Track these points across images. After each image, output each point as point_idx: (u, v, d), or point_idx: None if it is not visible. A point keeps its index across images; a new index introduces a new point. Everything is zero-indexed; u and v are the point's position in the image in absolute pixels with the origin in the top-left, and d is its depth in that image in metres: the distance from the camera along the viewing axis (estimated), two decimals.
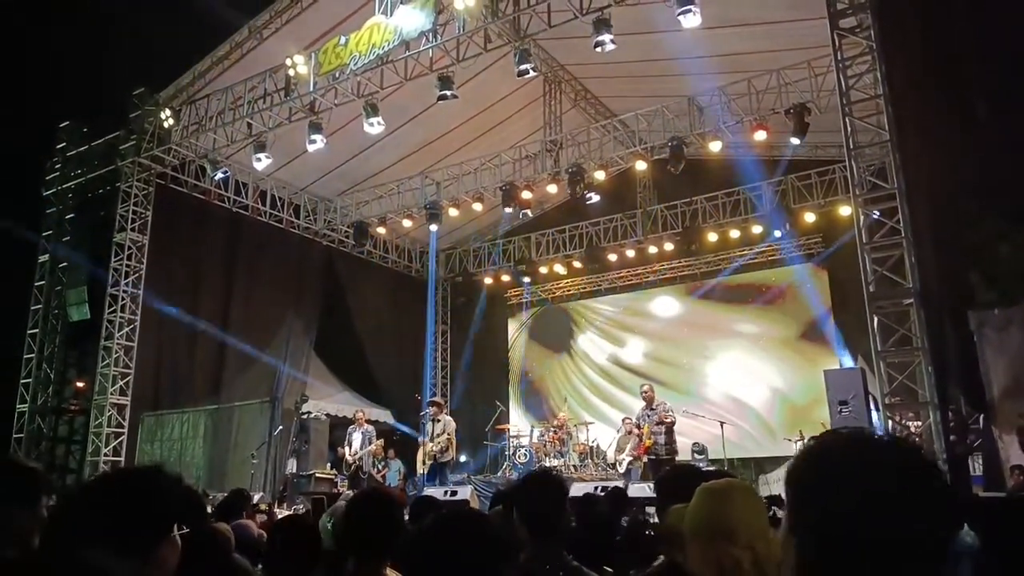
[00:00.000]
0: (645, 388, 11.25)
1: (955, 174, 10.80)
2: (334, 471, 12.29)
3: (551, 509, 2.67)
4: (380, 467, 13.52)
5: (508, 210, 14.95)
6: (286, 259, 16.16)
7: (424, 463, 11.37)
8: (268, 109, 12.97)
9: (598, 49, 10.82)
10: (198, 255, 15.30)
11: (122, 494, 1.63)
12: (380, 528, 2.63)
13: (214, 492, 10.15)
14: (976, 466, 9.94)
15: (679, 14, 10.09)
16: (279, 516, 8.15)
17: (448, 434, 11.38)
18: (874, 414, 9.58)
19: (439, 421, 11.41)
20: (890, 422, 8.55)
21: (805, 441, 12.04)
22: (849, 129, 9.27)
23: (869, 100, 9.35)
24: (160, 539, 1.61)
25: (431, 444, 11.28)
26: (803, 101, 11.75)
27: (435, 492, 10.04)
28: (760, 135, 12.49)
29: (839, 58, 9.49)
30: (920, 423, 8.72)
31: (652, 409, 10.79)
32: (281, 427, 13.05)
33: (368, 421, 12.64)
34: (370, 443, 11.85)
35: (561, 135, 14.66)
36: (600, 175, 14.35)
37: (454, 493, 9.92)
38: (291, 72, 12.25)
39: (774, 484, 12.94)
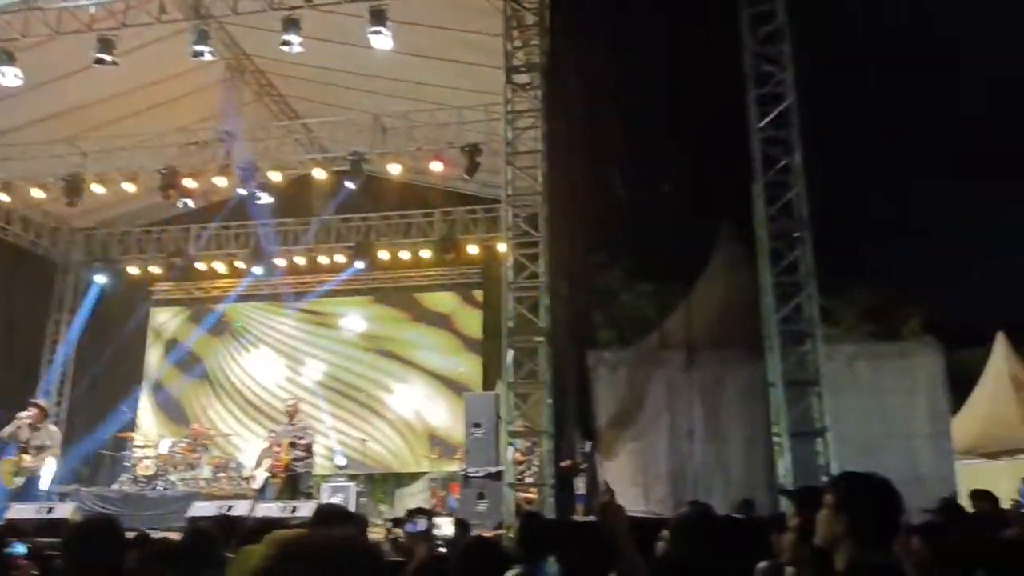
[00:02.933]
0: (291, 402, 10.97)
1: (592, 229, 12.30)
2: None
3: (103, 558, 2.42)
4: None
5: (167, 197, 13.68)
6: None
7: (16, 477, 9.73)
8: None
9: (284, 48, 10.50)
10: None
11: None
12: None
13: None
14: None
15: (370, 33, 10.18)
16: None
17: (55, 447, 9.92)
18: (502, 438, 10.40)
19: (39, 430, 9.88)
20: (511, 448, 9.35)
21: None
22: (509, 176, 10.05)
23: (530, 153, 10.23)
24: None
25: (29, 458, 9.71)
26: (477, 142, 12.48)
27: (27, 510, 8.73)
28: (436, 166, 12.99)
29: (509, 109, 10.26)
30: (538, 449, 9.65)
31: (292, 424, 10.57)
32: None
33: None
34: None
35: (238, 127, 13.85)
36: (276, 176, 13.80)
37: (50, 510, 8.67)
38: None
39: (408, 499, 13.43)
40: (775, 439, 8.71)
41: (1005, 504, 7.98)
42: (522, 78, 10.54)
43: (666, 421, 9.38)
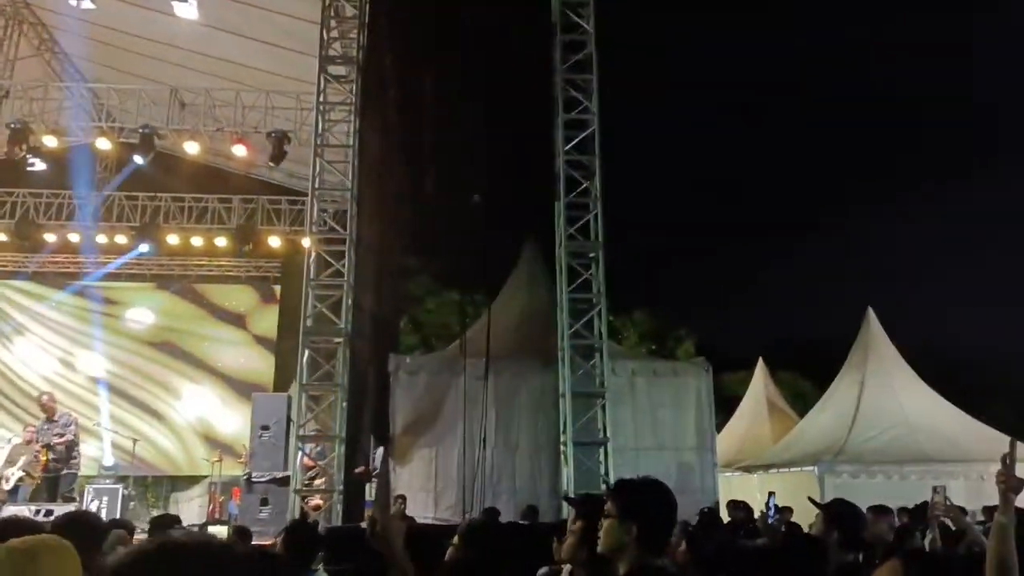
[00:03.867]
0: (44, 398, 9.79)
1: (402, 233, 12.21)
2: None
3: None
4: None
5: None
6: None
7: None
8: None
9: (73, 2, 9.47)
10: None
11: None
12: None
13: None
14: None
15: None
16: None
17: None
18: (291, 441, 9.99)
19: None
20: (300, 452, 8.99)
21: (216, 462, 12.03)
22: (317, 169, 9.72)
23: (341, 147, 9.96)
24: None
25: None
26: (285, 129, 11.93)
27: None
28: (239, 149, 12.26)
29: (321, 99, 9.93)
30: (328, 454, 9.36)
31: (53, 421, 9.45)
32: None
33: None
34: None
35: (10, 82, 12.29)
36: (51, 141, 12.36)
37: None
38: None
39: (184, 503, 12.53)
40: (562, 447, 9.08)
41: (757, 513, 8.88)
42: (338, 70, 10.27)
43: (461, 428, 9.47)
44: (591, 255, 9.79)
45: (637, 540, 2.22)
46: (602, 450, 9.01)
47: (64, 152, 13.15)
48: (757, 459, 14.00)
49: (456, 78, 10.10)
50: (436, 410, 10.31)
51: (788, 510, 8.42)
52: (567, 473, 8.85)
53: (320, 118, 9.91)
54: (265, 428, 9.98)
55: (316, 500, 8.82)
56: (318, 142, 9.82)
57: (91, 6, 9.50)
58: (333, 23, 10.30)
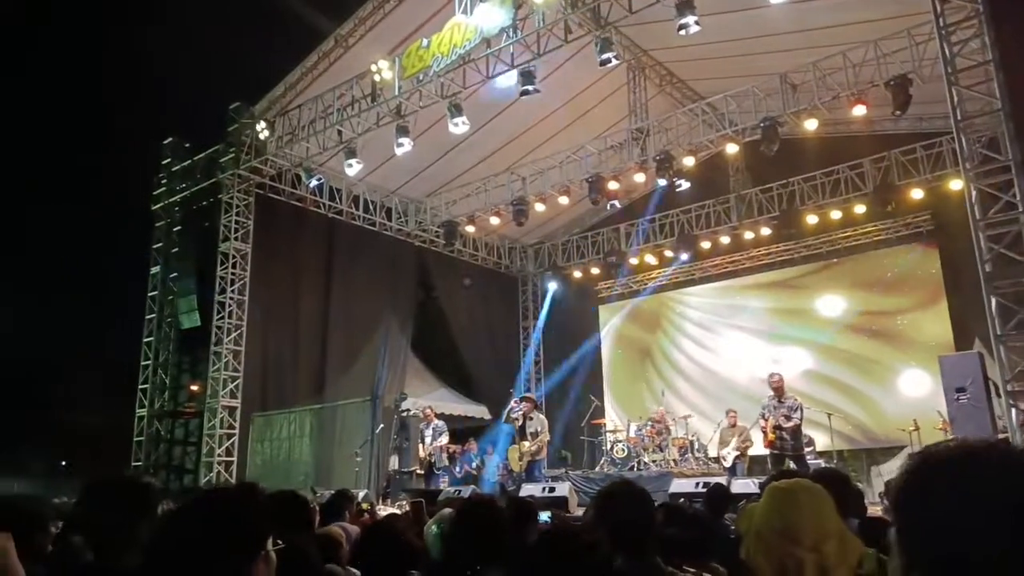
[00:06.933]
0: (775, 377, 10.27)
1: None
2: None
3: (638, 522, 2.60)
4: (476, 463, 13.77)
5: (595, 202, 14.79)
6: (380, 260, 16.56)
7: (520, 461, 11.44)
8: (356, 115, 13.26)
9: (682, 32, 10.50)
10: (297, 260, 15.89)
11: (211, 519, 1.61)
12: (490, 536, 2.70)
13: (322, 489, 10.48)
14: None
15: None
16: (381, 514, 8.35)
17: (545, 433, 11.44)
18: (995, 401, 8.99)
19: (532, 419, 11.43)
20: (1014, 411, 7.97)
21: (915, 431, 11.52)
22: (956, 99, 8.67)
23: (977, 67, 8.70)
24: (253, 559, 1.61)
25: (528, 444, 11.32)
26: (904, 72, 11.08)
27: (534, 489, 10.10)
28: (859, 110, 11.88)
29: (941, 24, 8.88)
30: None
31: (781, 402, 9.98)
32: (383, 425, 13.38)
33: (465, 418, 12.80)
34: (440, 438, 12.10)
35: (647, 122, 14.39)
36: (689, 161, 13.98)
37: (552, 490, 9.91)
38: (376, 78, 12.48)
39: (887, 476, 12.33)
40: None
41: None
42: None
43: None
44: None
45: None
46: None
47: (699, 168, 14.69)
48: None
49: None
50: None
51: None
52: None
53: (944, 44, 8.86)
54: (960, 390, 9.20)
55: None
56: (948, 70, 8.78)
57: (698, 28, 10.35)
58: None
